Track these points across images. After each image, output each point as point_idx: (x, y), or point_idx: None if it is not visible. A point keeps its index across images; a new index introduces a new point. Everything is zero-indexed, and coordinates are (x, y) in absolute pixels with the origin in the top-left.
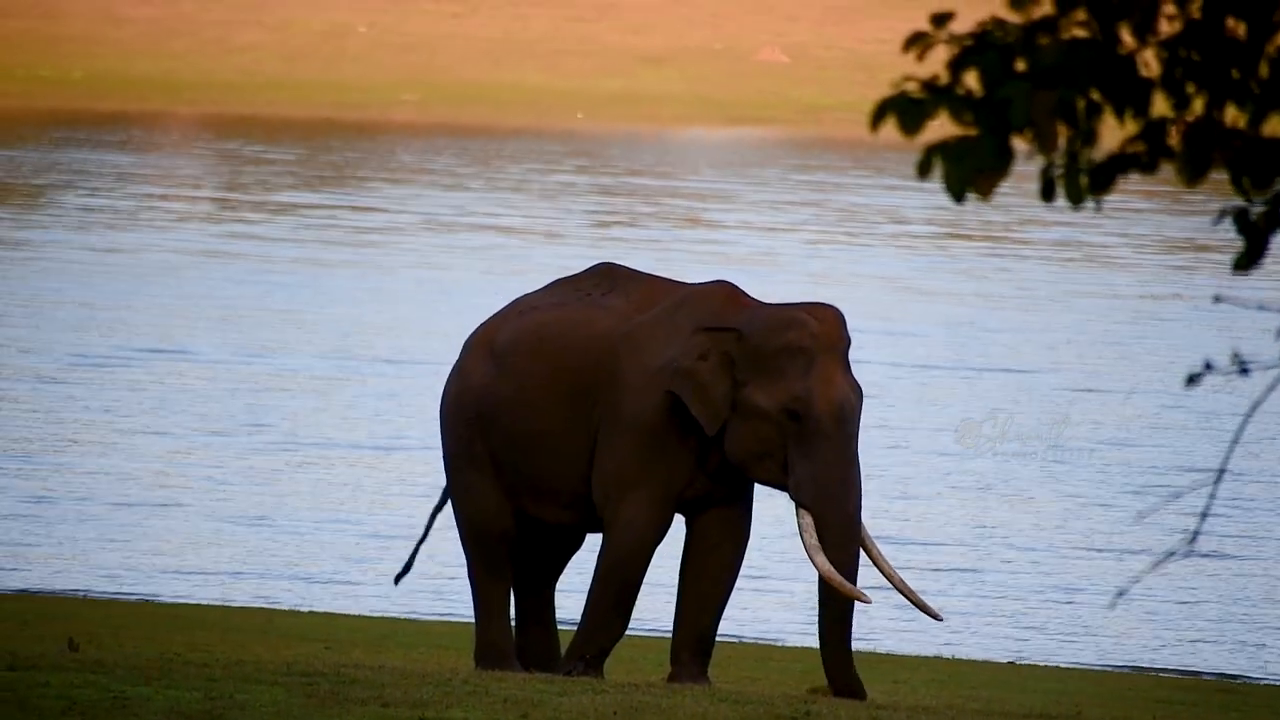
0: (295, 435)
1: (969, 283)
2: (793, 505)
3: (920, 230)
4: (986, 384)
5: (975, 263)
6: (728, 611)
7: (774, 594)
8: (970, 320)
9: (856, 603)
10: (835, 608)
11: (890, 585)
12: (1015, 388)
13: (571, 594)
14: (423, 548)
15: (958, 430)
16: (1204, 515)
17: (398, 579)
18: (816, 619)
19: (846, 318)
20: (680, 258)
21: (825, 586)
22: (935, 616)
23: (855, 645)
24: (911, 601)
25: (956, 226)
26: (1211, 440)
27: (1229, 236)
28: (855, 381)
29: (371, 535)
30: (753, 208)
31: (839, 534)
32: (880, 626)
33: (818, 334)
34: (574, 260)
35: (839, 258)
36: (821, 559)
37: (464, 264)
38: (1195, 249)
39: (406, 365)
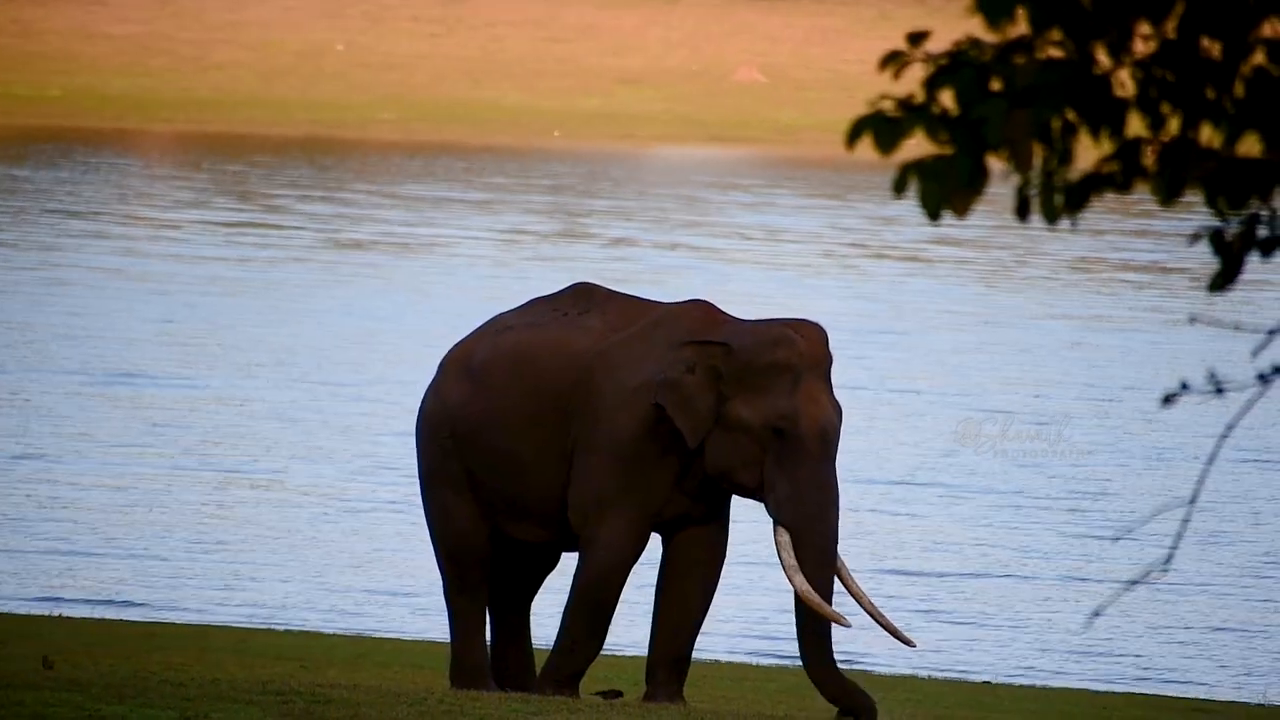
0: (269, 458)
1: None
2: (771, 524)
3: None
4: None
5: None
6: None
7: (749, 611)
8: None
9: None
10: (814, 627)
11: (861, 608)
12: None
13: (547, 613)
14: (398, 566)
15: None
16: (1178, 539)
17: None
18: (795, 637)
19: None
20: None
21: (803, 607)
22: (907, 642)
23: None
24: (883, 626)
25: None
26: (1191, 465)
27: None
28: (836, 400)
29: (345, 554)
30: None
31: (818, 553)
32: (854, 648)
33: (804, 352)
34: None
35: (744, 278)
36: (799, 579)
37: (439, 281)
38: (1161, 271)
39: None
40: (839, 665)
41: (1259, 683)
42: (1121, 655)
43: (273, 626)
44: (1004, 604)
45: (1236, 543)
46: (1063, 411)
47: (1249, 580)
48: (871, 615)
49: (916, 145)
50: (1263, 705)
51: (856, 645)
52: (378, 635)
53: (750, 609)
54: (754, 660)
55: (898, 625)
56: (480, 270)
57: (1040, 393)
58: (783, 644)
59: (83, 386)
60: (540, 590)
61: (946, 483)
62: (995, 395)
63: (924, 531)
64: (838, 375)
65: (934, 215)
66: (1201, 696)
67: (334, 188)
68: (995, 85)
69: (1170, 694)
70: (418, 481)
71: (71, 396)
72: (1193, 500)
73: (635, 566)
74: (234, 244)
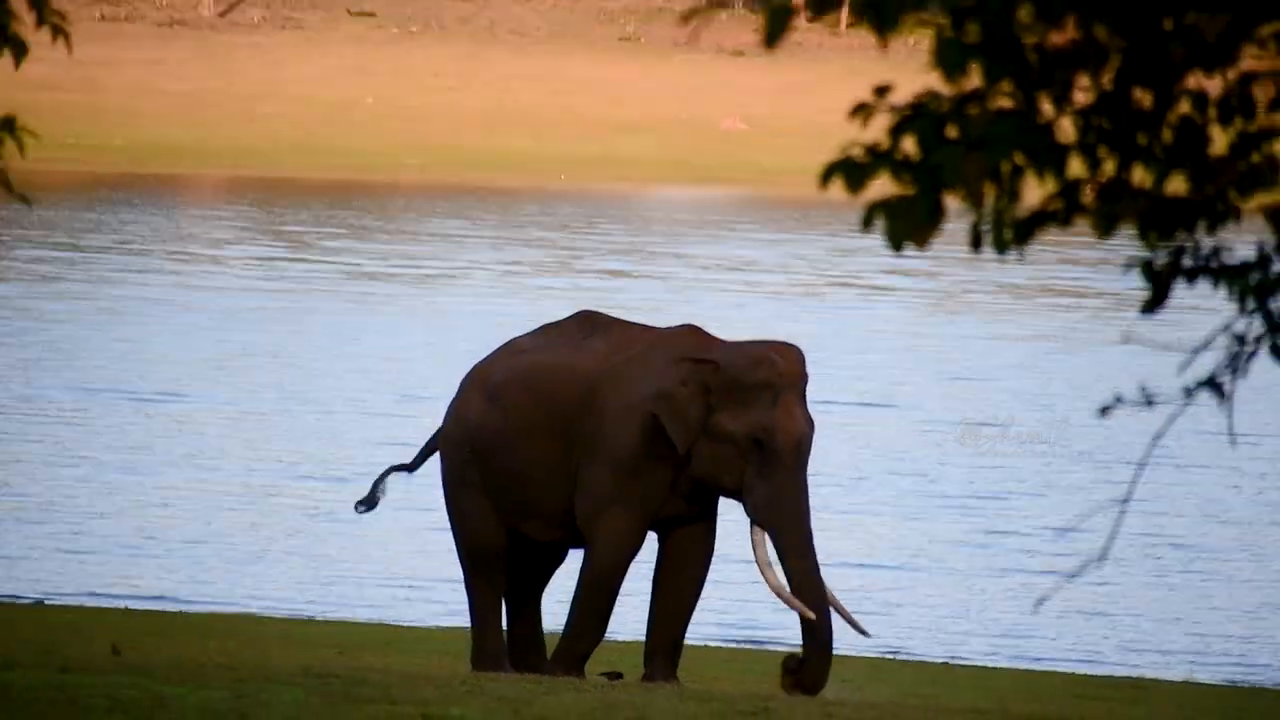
0: (308, 465)
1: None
2: (748, 524)
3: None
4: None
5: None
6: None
7: (743, 600)
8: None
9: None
10: (815, 628)
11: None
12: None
13: (556, 603)
14: (431, 564)
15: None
16: (1112, 535)
17: (359, 506)
18: (775, 624)
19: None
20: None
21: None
22: (863, 632)
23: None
24: (842, 616)
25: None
26: (1127, 469)
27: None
28: (809, 415)
29: (379, 549)
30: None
31: (798, 546)
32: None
33: (784, 372)
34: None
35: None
36: (770, 574)
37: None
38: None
39: (414, 401)
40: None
41: (1185, 664)
42: (1065, 639)
43: (313, 617)
44: (961, 593)
45: (1169, 542)
46: (1016, 416)
47: (1177, 575)
48: (832, 604)
49: (882, 186)
50: (1187, 682)
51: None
52: (405, 625)
53: (736, 599)
54: (740, 645)
55: (854, 615)
56: (493, 299)
57: (994, 402)
58: (765, 630)
59: (132, 402)
60: (549, 582)
61: (901, 485)
62: (957, 404)
63: (880, 528)
64: (813, 391)
65: (897, 247)
66: (1136, 675)
67: (363, 226)
68: (952, 133)
69: (1108, 674)
70: (441, 487)
71: (123, 412)
72: (1125, 500)
73: (634, 561)
74: (273, 276)
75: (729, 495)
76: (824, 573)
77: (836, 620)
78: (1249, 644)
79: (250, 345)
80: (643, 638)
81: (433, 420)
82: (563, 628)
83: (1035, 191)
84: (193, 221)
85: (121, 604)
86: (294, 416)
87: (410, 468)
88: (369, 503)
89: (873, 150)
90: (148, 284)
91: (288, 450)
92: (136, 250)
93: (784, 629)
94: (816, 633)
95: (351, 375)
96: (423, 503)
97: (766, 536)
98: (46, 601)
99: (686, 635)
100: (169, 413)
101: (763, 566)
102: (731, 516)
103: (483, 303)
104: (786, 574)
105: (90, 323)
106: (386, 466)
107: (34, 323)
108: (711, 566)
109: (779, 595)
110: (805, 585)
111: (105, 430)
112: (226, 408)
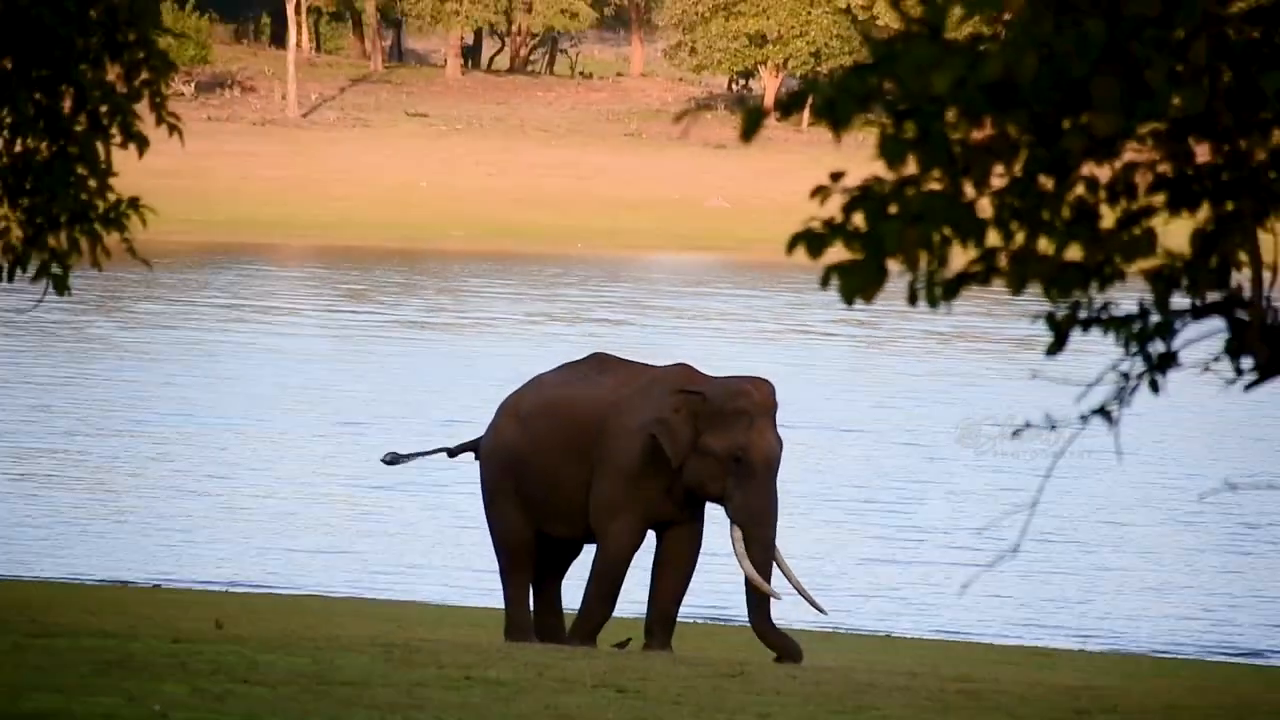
0: (375, 478)
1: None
2: (728, 522)
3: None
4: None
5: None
6: (687, 598)
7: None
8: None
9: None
10: (758, 598)
11: (789, 581)
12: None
13: (575, 586)
14: (468, 557)
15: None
16: (1023, 532)
17: (386, 459)
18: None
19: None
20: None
21: (749, 584)
22: (820, 609)
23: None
24: (804, 596)
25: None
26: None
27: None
28: (779, 436)
29: (428, 544)
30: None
31: (762, 543)
32: (785, 611)
33: (757, 401)
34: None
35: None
36: (746, 564)
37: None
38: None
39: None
40: (776, 624)
41: (1080, 637)
42: (985, 615)
43: (377, 596)
44: (899, 574)
45: (1064, 536)
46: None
47: (1081, 564)
48: (795, 586)
49: (836, 252)
50: (1082, 651)
51: (785, 608)
52: (450, 605)
53: (719, 584)
54: (722, 621)
55: (813, 594)
56: (519, 342)
57: (921, 428)
58: (742, 609)
59: (227, 426)
60: (568, 571)
61: (845, 492)
62: (892, 428)
63: (828, 526)
64: (783, 416)
65: (849, 301)
66: (1041, 645)
67: (415, 284)
68: (893, 210)
69: (1018, 644)
70: (481, 496)
71: (219, 433)
72: (1034, 504)
73: (636, 554)
74: (341, 324)
75: (713, 501)
76: (790, 562)
77: (799, 599)
78: (1132, 621)
79: (321, 380)
80: (643, 616)
81: (470, 431)
82: (579, 608)
83: (960, 257)
84: (278, 281)
85: (223, 588)
86: (355, 437)
87: (452, 453)
88: (395, 460)
89: (829, 224)
90: (242, 331)
91: (353, 464)
92: (234, 304)
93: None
94: (759, 610)
95: (402, 404)
96: (458, 509)
97: (741, 533)
98: (162, 585)
99: (679, 613)
100: (256, 433)
101: (739, 557)
102: (715, 519)
103: (510, 346)
104: (755, 564)
105: (196, 362)
106: (437, 446)
107: (153, 361)
108: (698, 559)
109: (751, 579)
110: (768, 572)
111: (204, 448)
112: (300, 430)
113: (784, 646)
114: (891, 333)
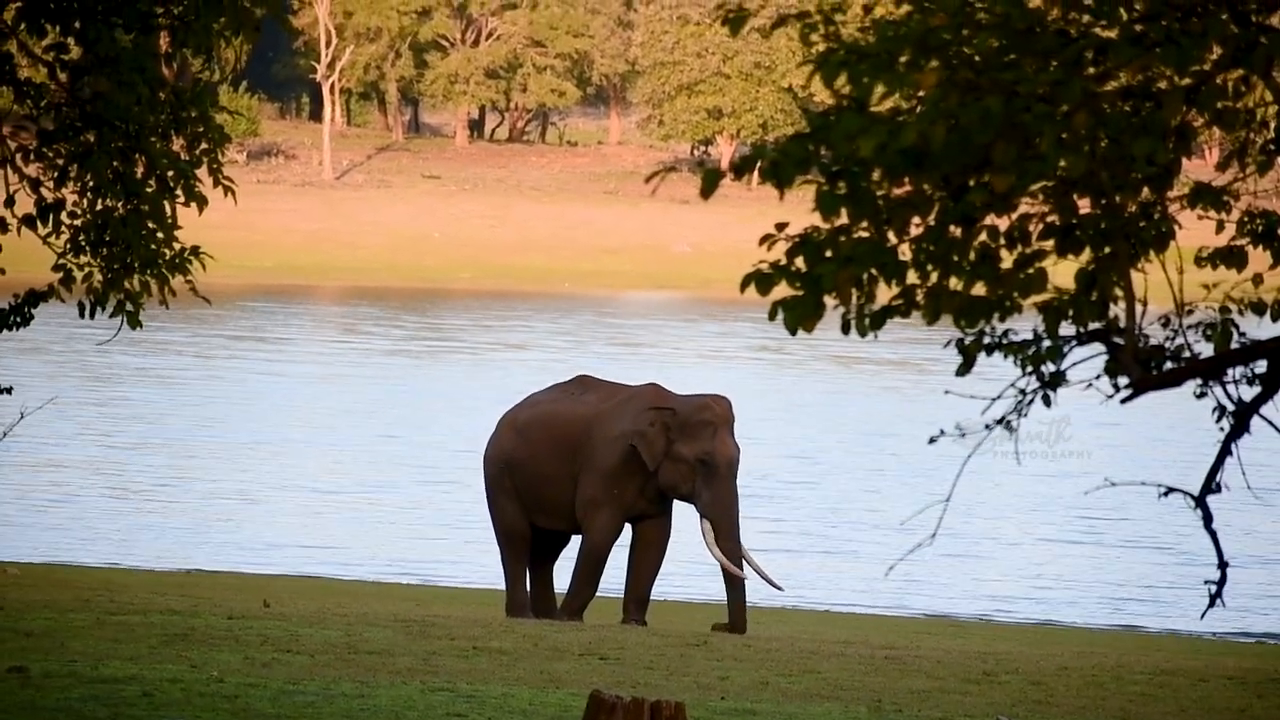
0: (405, 481)
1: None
2: (698, 517)
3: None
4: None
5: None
6: (658, 580)
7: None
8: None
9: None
10: (733, 581)
11: (749, 564)
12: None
13: (564, 571)
14: (474, 548)
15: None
16: (938, 524)
17: None
18: (721, 588)
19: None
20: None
21: (722, 569)
22: (777, 587)
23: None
24: (762, 576)
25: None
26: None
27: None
28: (737, 443)
29: (442, 537)
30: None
31: (728, 533)
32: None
33: (719, 414)
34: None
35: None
36: (717, 551)
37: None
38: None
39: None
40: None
41: (987, 610)
42: (909, 593)
43: (397, 581)
44: (832, 565)
45: (975, 528)
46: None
47: (976, 551)
48: (753, 567)
49: (781, 290)
50: (989, 622)
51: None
52: (460, 585)
53: (684, 569)
54: (687, 600)
55: (771, 575)
56: (516, 368)
57: (849, 434)
58: (704, 591)
59: (264, 440)
60: (558, 558)
61: (784, 490)
62: (833, 436)
63: (774, 520)
64: (740, 429)
65: (793, 332)
66: (953, 615)
67: (429, 319)
68: (829, 254)
69: (935, 616)
70: (485, 493)
71: (258, 446)
72: (948, 499)
73: (616, 544)
74: (366, 351)
75: (683, 499)
76: (749, 548)
77: (756, 579)
78: (1031, 598)
79: (348, 401)
80: (621, 595)
81: (472, 444)
82: (568, 589)
83: (885, 293)
84: (315, 317)
85: (269, 571)
86: (377, 446)
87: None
88: None
89: (776, 266)
90: (284, 359)
91: (377, 470)
92: (277, 337)
93: (716, 591)
94: (738, 589)
95: (418, 418)
96: (469, 511)
97: (710, 525)
98: (219, 571)
99: (651, 594)
100: (287, 448)
101: (710, 546)
102: (682, 514)
103: (508, 369)
104: (722, 550)
105: (249, 384)
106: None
107: (210, 385)
108: (667, 547)
109: (723, 565)
110: (733, 557)
111: (249, 458)
112: (327, 442)
113: (735, 622)
114: (827, 356)
